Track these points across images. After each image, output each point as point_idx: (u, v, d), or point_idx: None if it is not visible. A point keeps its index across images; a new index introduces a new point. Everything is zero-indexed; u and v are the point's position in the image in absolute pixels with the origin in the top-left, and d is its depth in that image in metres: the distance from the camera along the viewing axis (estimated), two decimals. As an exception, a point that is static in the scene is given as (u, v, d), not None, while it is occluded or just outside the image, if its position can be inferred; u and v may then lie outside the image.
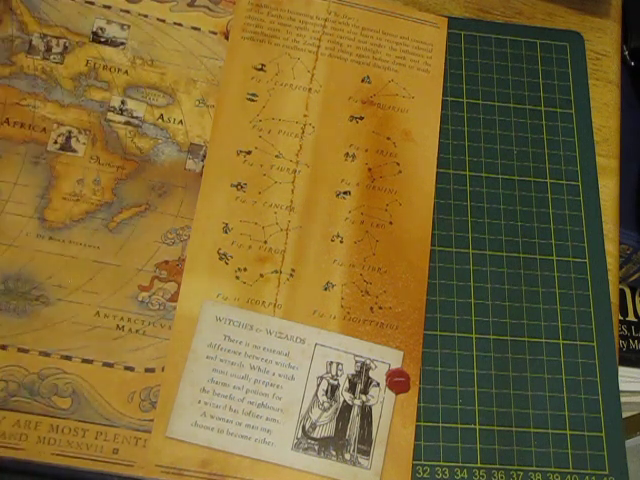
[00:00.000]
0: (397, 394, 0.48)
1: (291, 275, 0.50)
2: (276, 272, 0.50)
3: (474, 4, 0.62)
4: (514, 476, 0.48)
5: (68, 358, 0.47)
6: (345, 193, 0.53)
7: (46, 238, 0.49)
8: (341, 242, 0.52)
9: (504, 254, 0.54)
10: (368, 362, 0.49)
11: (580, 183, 0.56)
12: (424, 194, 0.54)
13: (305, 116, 0.55)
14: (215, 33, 0.56)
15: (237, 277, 0.50)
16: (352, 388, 0.48)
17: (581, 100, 0.59)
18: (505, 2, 0.63)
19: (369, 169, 0.54)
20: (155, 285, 0.49)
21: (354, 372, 0.49)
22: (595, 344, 0.52)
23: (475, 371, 0.51)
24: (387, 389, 0.48)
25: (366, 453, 0.47)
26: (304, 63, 0.56)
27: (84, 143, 0.51)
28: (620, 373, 0.52)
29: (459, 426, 0.49)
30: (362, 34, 0.58)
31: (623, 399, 0.51)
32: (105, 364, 0.47)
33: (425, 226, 0.53)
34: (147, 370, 0.47)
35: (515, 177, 0.56)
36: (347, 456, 0.47)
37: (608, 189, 0.57)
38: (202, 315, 0.49)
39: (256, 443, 0.46)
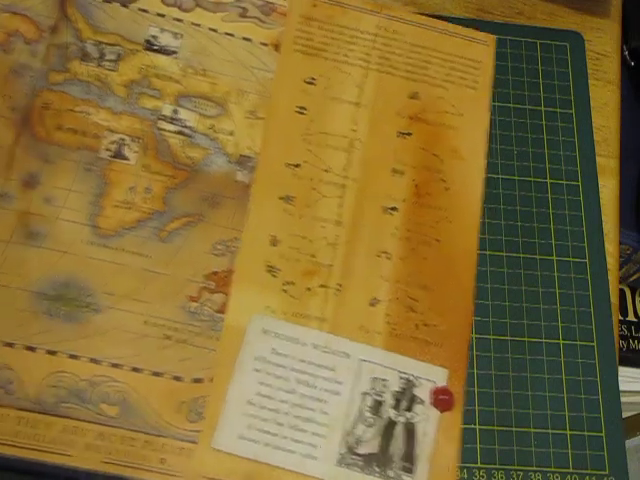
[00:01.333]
0: (441, 412, 0.49)
1: (338, 290, 0.51)
2: (323, 286, 0.51)
3: (474, 4, 0.62)
4: (514, 476, 0.49)
5: (118, 366, 0.47)
6: (392, 209, 0.53)
7: (98, 245, 0.49)
8: (388, 258, 0.52)
9: (504, 254, 0.54)
10: (413, 379, 0.49)
11: (580, 183, 0.57)
12: (471, 212, 0.54)
13: (353, 131, 0.55)
14: (266, 44, 0.56)
15: (284, 290, 0.50)
16: (397, 405, 0.49)
17: (581, 100, 0.59)
18: (505, 2, 0.63)
19: (416, 185, 0.54)
20: (204, 296, 0.49)
21: (399, 389, 0.49)
22: (595, 344, 0.52)
23: (475, 371, 0.51)
24: (431, 407, 0.49)
25: (410, 471, 0.47)
26: (353, 78, 0.56)
27: (136, 151, 0.52)
28: (620, 373, 0.52)
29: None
30: (411, 50, 0.58)
31: (623, 399, 0.51)
32: (154, 373, 0.47)
33: (471, 244, 0.53)
34: (195, 380, 0.47)
35: (515, 177, 0.57)
36: (391, 473, 0.47)
37: (608, 189, 0.57)
38: (250, 328, 0.49)
39: (301, 457, 0.47)
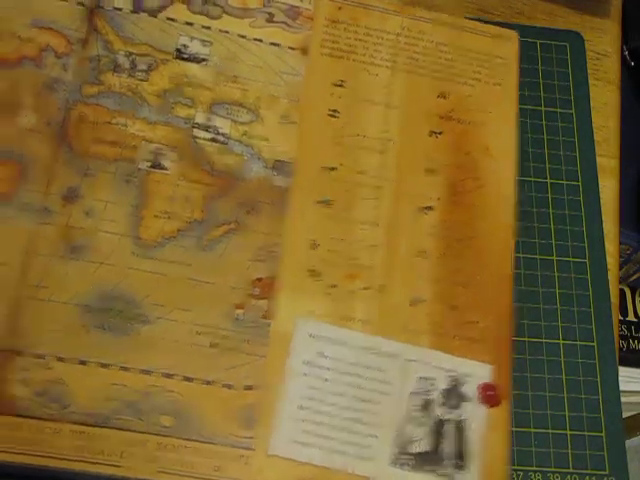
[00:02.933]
0: (489, 408, 0.49)
1: (380, 291, 0.51)
2: (366, 289, 0.51)
3: (474, 4, 0.63)
4: (514, 476, 0.49)
5: (169, 376, 0.47)
6: (427, 208, 0.54)
7: (140, 256, 0.49)
8: (426, 258, 0.52)
9: (504, 254, 0.55)
10: (459, 377, 0.50)
11: (580, 183, 0.57)
12: (504, 209, 0.54)
13: (385, 132, 0.55)
14: (294, 49, 0.56)
15: (328, 294, 0.50)
16: (445, 403, 0.49)
17: (581, 100, 0.60)
18: (505, 2, 0.63)
19: (450, 184, 0.54)
20: (249, 302, 0.49)
21: (446, 387, 0.49)
22: (595, 344, 0.53)
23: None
24: (479, 403, 0.49)
25: (462, 467, 0.48)
26: (382, 79, 0.56)
27: (173, 160, 0.52)
28: (620, 373, 0.52)
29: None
30: (436, 49, 0.58)
31: (623, 399, 0.51)
32: (205, 382, 0.47)
33: (507, 241, 0.54)
34: (246, 388, 0.48)
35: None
36: (443, 471, 0.48)
37: (608, 189, 0.58)
38: (296, 332, 0.49)
39: (355, 459, 0.47)
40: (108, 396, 0.46)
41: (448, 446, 0.48)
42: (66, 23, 0.53)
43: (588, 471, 0.49)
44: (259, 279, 0.50)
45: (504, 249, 0.53)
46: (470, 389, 0.49)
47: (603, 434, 0.50)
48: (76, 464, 0.45)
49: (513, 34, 0.60)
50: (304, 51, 0.56)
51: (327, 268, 0.51)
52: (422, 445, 0.48)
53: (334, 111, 0.55)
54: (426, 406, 0.49)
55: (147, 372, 0.47)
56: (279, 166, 0.53)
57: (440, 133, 0.56)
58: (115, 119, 0.52)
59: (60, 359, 0.46)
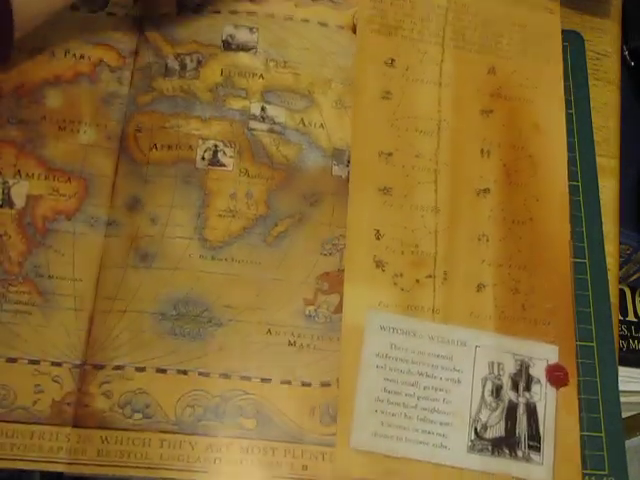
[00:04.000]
0: (558, 388, 0.50)
1: (445, 278, 0.51)
2: (430, 276, 0.51)
3: None
4: None
5: (247, 379, 0.47)
6: (485, 191, 0.53)
7: (209, 258, 0.48)
8: (487, 241, 0.52)
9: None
10: (527, 360, 0.51)
11: (580, 183, 0.57)
12: (558, 188, 0.54)
13: (439, 112, 0.54)
14: (342, 27, 0.54)
15: (395, 284, 0.50)
16: (515, 386, 0.50)
17: (581, 100, 0.59)
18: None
19: (504, 165, 0.54)
20: (319, 298, 0.49)
21: (515, 371, 0.50)
22: (595, 344, 0.53)
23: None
24: (548, 385, 0.50)
25: (537, 449, 0.49)
26: (431, 56, 0.55)
27: (231, 156, 0.50)
28: (620, 373, 0.52)
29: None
30: (483, 24, 0.57)
31: (623, 399, 0.52)
32: (282, 381, 0.47)
33: (563, 220, 0.54)
34: (323, 384, 0.48)
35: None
36: (520, 453, 0.49)
37: (608, 189, 0.58)
38: (367, 325, 0.49)
39: (433, 448, 0.48)
40: (190, 402, 0.46)
41: (522, 429, 0.49)
42: (117, 37, 0.53)
43: (588, 471, 0.49)
44: (326, 273, 0.50)
45: (561, 231, 0.54)
46: (538, 371, 0.50)
47: (603, 434, 0.50)
48: (165, 472, 0.45)
49: (555, 5, 0.59)
50: (353, 29, 0.54)
51: (392, 257, 0.51)
52: (497, 430, 0.49)
53: (387, 92, 0.54)
54: (498, 391, 0.50)
55: (226, 376, 0.47)
56: (337, 154, 0.52)
57: (491, 111, 0.55)
58: (169, 122, 0.51)
59: (139, 369, 0.46)
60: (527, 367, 0.50)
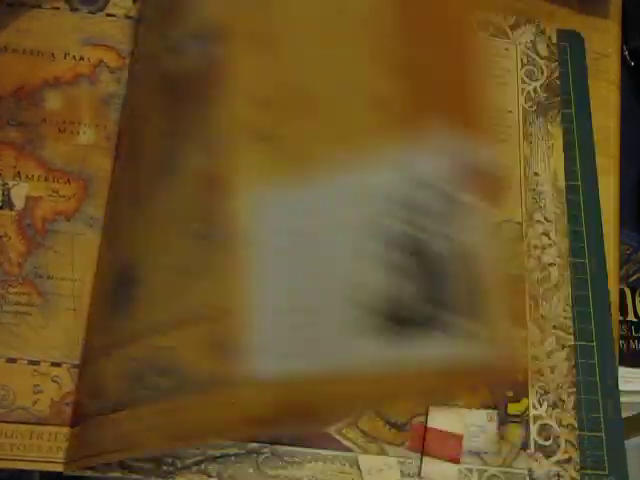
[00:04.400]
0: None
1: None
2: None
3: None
4: None
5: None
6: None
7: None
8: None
9: (506, 254, 0.55)
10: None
11: (580, 183, 0.56)
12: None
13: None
14: None
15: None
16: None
17: (581, 100, 0.59)
18: (506, 2, 0.62)
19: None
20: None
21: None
22: (595, 344, 0.52)
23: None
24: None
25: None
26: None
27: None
28: (620, 373, 0.52)
29: None
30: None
31: (623, 399, 0.51)
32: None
33: None
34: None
35: (517, 177, 0.57)
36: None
37: (608, 189, 0.58)
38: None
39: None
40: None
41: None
42: (119, 37, 0.53)
43: (588, 471, 0.49)
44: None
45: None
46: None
47: (603, 434, 0.50)
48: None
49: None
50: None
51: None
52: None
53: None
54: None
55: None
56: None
57: None
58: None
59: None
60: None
